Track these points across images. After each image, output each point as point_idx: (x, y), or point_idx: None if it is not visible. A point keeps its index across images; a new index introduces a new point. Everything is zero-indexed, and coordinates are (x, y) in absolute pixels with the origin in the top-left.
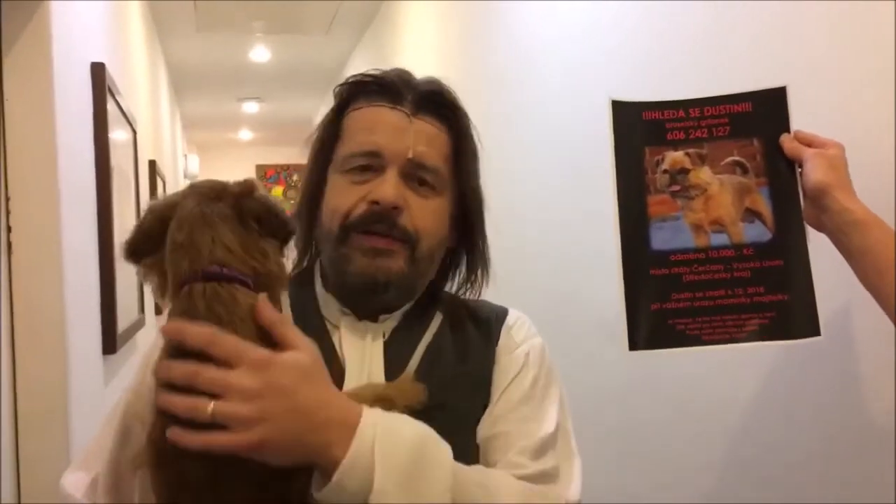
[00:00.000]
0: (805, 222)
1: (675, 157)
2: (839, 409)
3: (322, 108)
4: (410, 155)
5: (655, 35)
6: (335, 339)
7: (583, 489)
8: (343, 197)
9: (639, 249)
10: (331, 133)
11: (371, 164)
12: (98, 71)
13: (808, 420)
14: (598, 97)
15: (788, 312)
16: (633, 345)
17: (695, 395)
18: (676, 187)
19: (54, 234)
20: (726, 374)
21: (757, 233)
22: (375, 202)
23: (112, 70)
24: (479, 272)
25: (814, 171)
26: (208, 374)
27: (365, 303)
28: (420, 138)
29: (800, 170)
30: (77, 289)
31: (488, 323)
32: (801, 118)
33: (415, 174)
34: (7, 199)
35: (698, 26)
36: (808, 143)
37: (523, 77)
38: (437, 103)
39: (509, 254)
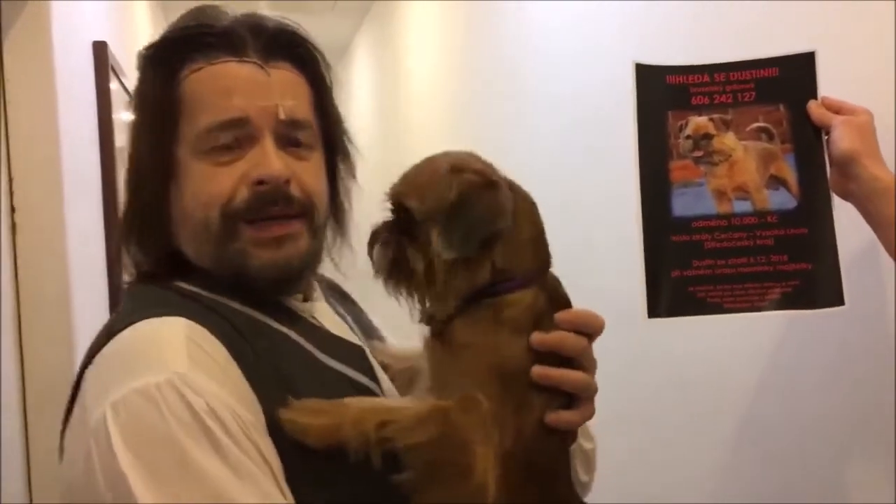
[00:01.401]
0: (831, 190)
1: (698, 122)
2: (841, 382)
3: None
4: (283, 116)
5: (670, 5)
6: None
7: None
8: (214, 183)
9: (660, 215)
10: (165, 107)
11: (238, 137)
12: (100, 50)
13: (809, 394)
14: (610, 74)
15: (812, 281)
16: (653, 312)
17: (693, 371)
18: (699, 153)
19: (58, 215)
20: (725, 350)
21: (781, 200)
22: (261, 181)
23: (115, 49)
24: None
25: (842, 139)
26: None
27: (273, 294)
28: (285, 91)
29: (826, 137)
30: (83, 270)
31: (339, 288)
32: (827, 86)
33: (288, 135)
34: (10, 181)
35: None
36: (837, 109)
37: (533, 53)
38: (286, 44)
39: None
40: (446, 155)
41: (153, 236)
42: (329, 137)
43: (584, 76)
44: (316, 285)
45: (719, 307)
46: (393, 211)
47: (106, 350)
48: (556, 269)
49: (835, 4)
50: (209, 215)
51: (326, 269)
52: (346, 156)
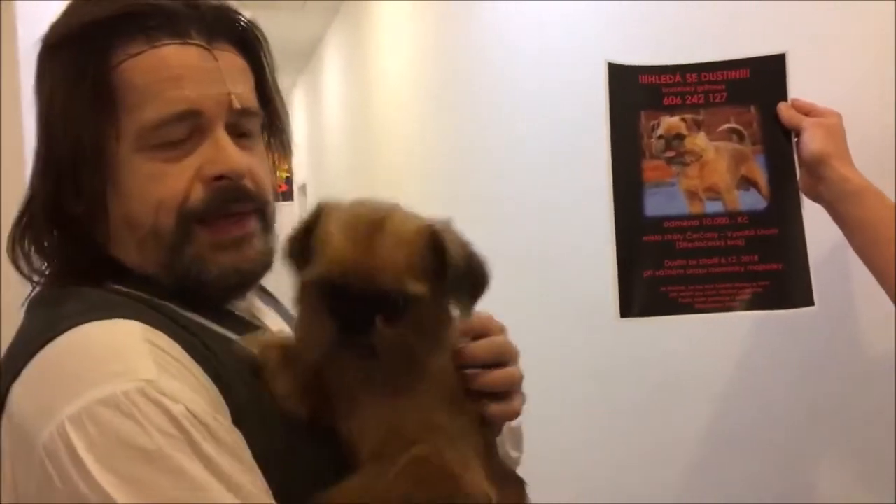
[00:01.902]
0: (801, 192)
1: (670, 122)
2: (820, 380)
3: (300, 82)
4: (237, 105)
5: (653, 4)
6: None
7: (567, 464)
8: (164, 183)
9: (632, 215)
10: (99, 96)
11: (190, 129)
12: None
13: (791, 391)
14: (591, 73)
15: (783, 282)
16: (626, 312)
17: (676, 370)
18: (671, 153)
19: None
20: (706, 349)
21: (752, 201)
22: (221, 177)
23: None
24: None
25: (812, 141)
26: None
27: (225, 300)
28: (234, 77)
29: (796, 139)
30: None
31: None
32: (800, 87)
33: (237, 124)
34: None
35: None
36: (806, 111)
37: (504, 53)
38: (228, 25)
39: (498, 235)
40: (401, 215)
41: (76, 237)
42: (270, 126)
43: (563, 75)
44: None
45: (690, 307)
46: (364, 293)
47: (43, 357)
48: (540, 269)
49: (835, 4)
50: (161, 219)
51: None
52: (287, 146)
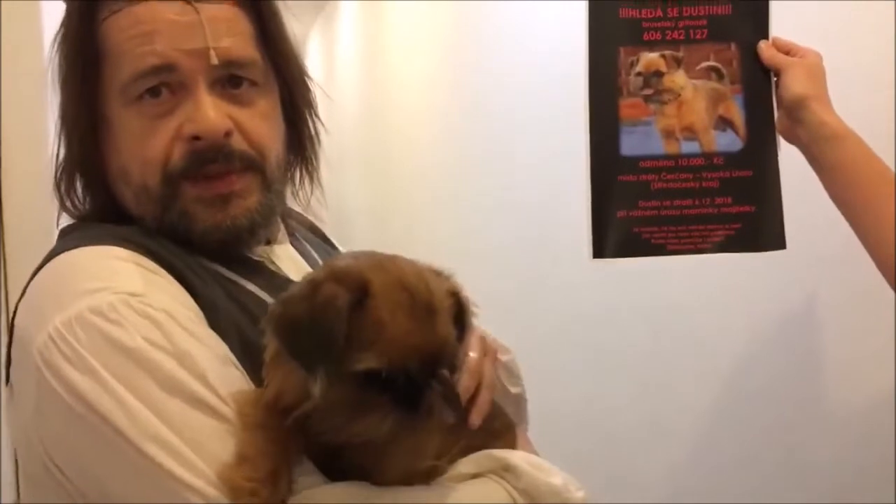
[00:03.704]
0: (778, 133)
1: (649, 58)
2: (804, 330)
3: (314, 32)
4: (215, 61)
5: None
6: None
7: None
8: (149, 141)
9: (608, 154)
10: (86, 53)
11: (167, 82)
12: None
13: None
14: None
15: (755, 224)
16: (598, 253)
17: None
18: (649, 91)
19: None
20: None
21: (728, 142)
22: (196, 137)
23: None
24: (308, 179)
25: (792, 82)
26: None
27: (223, 250)
28: (218, 29)
29: (775, 79)
30: None
31: (319, 230)
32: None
33: (227, 76)
34: None
35: None
36: (787, 51)
37: (508, 33)
38: None
39: (496, 180)
40: (432, 279)
41: (88, 189)
42: (282, 72)
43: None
44: (281, 227)
45: (662, 248)
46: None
47: (40, 276)
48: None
49: (835, 4)
50: (148, 179)
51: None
52: (305, 89)
